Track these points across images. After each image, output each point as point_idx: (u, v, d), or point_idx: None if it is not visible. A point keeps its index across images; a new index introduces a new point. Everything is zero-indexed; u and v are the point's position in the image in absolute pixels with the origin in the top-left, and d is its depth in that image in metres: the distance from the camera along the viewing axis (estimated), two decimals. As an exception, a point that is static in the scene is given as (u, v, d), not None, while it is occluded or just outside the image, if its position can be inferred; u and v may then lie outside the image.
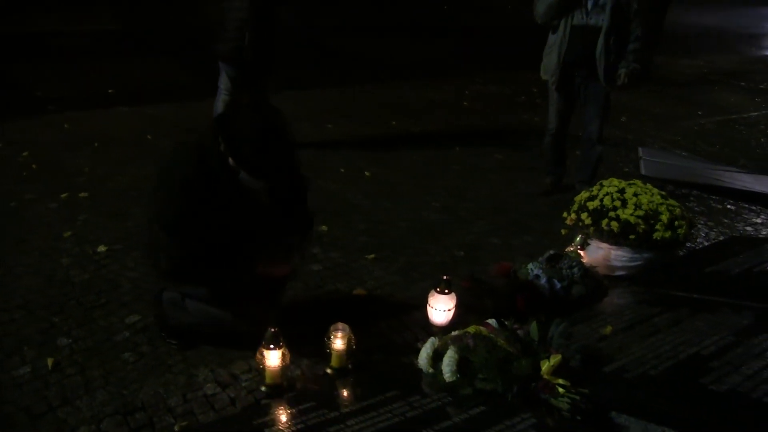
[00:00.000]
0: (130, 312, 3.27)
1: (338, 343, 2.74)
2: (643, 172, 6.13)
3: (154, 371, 2.84)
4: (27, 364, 2.86)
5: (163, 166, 2.65)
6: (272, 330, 2.60)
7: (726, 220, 5.15)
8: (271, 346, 2.60)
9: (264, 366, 2.62)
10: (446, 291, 3.11)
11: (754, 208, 5.47)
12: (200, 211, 2.54)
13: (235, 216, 2.66)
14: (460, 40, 13.86)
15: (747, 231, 4.99)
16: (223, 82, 5.43)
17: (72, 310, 3.27)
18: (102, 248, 3.89)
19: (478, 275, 3.40)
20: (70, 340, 3.02)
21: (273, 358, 2.60)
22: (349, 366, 2.82)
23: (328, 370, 2.81)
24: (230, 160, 2.51)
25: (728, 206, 5.47)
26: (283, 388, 2.68)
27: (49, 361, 2.85)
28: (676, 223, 3.69)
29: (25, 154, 5.37)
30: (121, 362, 2.89)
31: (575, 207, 3.94)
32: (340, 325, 2.77)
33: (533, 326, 2.68)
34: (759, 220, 5.21)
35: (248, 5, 5.07)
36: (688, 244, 4.17)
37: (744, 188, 5.85)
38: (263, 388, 2.68)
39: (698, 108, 9.47)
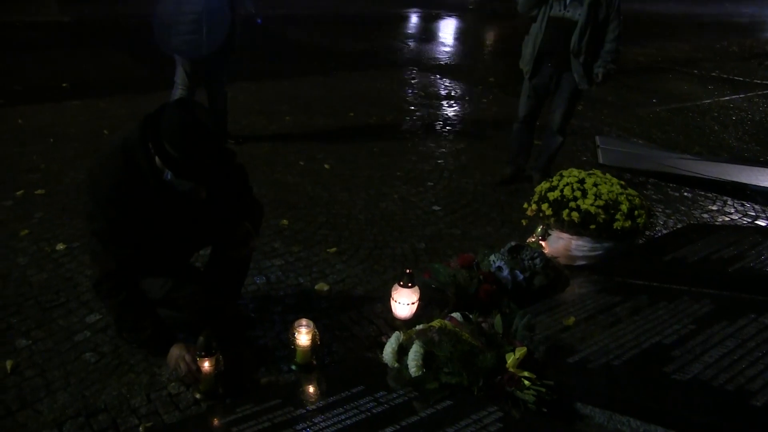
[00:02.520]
0: (90, 311, 3.21)
1: (302, 338, 2.72)
2: (600, 160, 6.22)
3: (117, 371, 2.80)
4: (-16, 366, 2.79)
5: (92, 170, 2.55)
6: (202, 337, 2.54)
7: (683, 208, 5.26)
8: (203, 353, 2.55)
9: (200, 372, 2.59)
10: (409, 284, 3.12)
11: (709, 195, 5.59)
12: (131, 217, 2.48)
13: (169, 218, 2.59)
14: (415, 31, 13.87)
15: (704, 218, 5.10)
16: (179, 76, 5.35)
17: (30, 310, 3.20)
18: (60, 246, 3.82)
19: (438, 267, 3.40)
20: (29, 342, 2.96)
21: (206, 366, 2.56)
22: (314, 362, 2.82)
23: (293, 367, 2.79)
24: (157, 160, 2.41)
25: (685, 194, 5.58)
26: (218, 394, 2.65)
27: (8, 364, 2.78)
28: (636, 212, 3.74)
29: (-23, 150, 5.23)
30: (82, 363, 2.84)
31: (535, 198, 3.98)
32: (304, 320, 2.75)
33: (497, 319, 2.70)
34: (715, 207, 5.32)
35: (198, 3, 4.99)
36: (647, 233, 4.23)
37: (699, 175, 5.98)
38: (197, 395, 2.64)
39: (652, 96, 9.64)
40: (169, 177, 2.43)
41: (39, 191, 4.57)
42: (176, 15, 5.08)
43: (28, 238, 3.93)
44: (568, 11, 4.69)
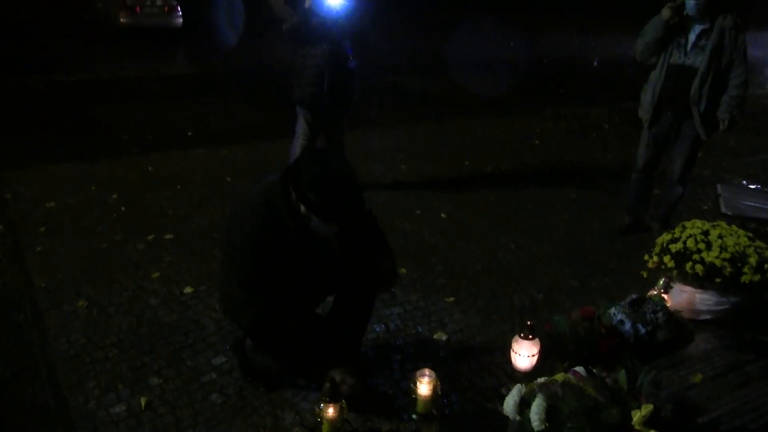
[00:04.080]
0: (216, 353, 3.36)
1: (423, 388, 2.74)
2: (723, 210, 5.98)
3: (241, 413, 2.91)
4: (122, 402, 2.97)
5: (233, 220, 2.71)
6: (328, 383, 2.63)
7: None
8: (328, 399, 2.62)
9: (323, 418, 2.65)
10: (530, 336, 3.10)
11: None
12: (274, 264, 2.60)
13: (310, 265, 2.72)
14: (526, 77, 13.84)
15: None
16: (300, 127, 5.55)
17: (161, 350, 3.38)
18: (188, 289, 4.01)
19: (559, 319, 3.36)
20: (160, 380, 3.12)
21: (330, 411, 2.63)
22: (434, 412, 2.83)
23: (414, 416, 2.81)
24: (302, 207, 2.55)
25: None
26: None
27: (143, 400, 2.96)
28: (766, 265, 3.58)
29: (114, 196, 5.59)
30: (209, 403, 2.97)
31: (657, 249, 3.87)
32: (427, 370, 2.78)
33: (621, 374, 2.63)
34: None
35: (327, 52, 5.20)
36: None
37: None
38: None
39: (778, 141, 9.20)
40: (315, 223, 2.58)
41: (168, 236, 4.83)
42: (300, 68, 5.31)
43: (159, 280, 4.15)
44: (689, 58, 4.59)
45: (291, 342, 2.73)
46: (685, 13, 4.55)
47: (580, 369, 2.74)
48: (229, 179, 6.17)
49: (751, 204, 6.24)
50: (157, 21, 17.73)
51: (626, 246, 5.01)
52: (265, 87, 11.12)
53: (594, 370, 2.70)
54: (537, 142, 8.25)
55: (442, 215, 5.49)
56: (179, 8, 18.01)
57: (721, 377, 2.94)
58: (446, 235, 5.10)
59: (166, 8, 17.86)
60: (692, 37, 4.59)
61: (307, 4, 5.08)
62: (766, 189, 6.88)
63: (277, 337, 2.73)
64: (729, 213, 5.89)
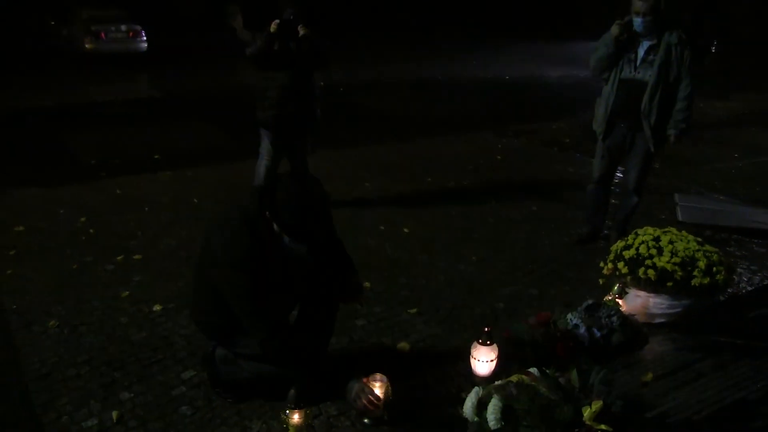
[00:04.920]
0: (185, 368, 3.43)
1: (376, 392, 2.84)
2: (680, 218, 6.17)
3: (210, 424, 2.99)
4: (94, 416, 3.04)
5: (215, 244, 2.83)
6: (293, 390, 2.73)
7: (769, 263, 5.18)
8: (293, 406, 2.72)
9: (288, 424, 2.74)
10: (488, 342, 3.21)
11: (796, 251, 5.48)
12: (266, 277, 2.76)
13: (284, 277, 2.88)
14: (486, 94, 14.12)
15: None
16: (265, 148, 5.65)
17: (131, 366, 3.45)
18: (157, 307, 4.08)
19: (517, 326, 3.49)
20: (131, 395, 3.19)
21: (296, 418, 2.73)
22: (385, 417, 2.92)
23: (366, 420, 2.91)
24: (275, 226, 2.73)
25: (771, 249, 5.49)
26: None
27: (114, 414, 3.03)
28: (715, 269, 3.74)
29: (82, 219, 5.65)
30: (179, 416, 3.04)
31: (611, 257, 4.02)
32: (378, 375, 2.89)
33: (574, 374, 2.76)
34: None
35: (291, 76, 5.33)
36: (729, 290, 4.21)
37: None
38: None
39: (734, 150, 9.48)
40: (286, 241, 2.77)
41: (137, 256, 4.90)
42: (263, 91, 5.43)
43: (128, 299, 4.22)
44: (638, 72, 4.79)
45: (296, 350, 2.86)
46: (633, 29, 4.75)
47: (533, 370, 2.87)
48: (196, 200, 6.25)
49: (707, 211, 6.45)
50: (122, 46, 17.81)
51: (585, 255, 5.17)
52: (230, 109, 11.22)
53: (547, 371, 2.82)
54: (499, 157, 8.43)
55: (405, 230, 5.62)
56: (143, 33, 18.10)
57: (671, 375, 3.09)
58: (409, 249, 5.22)
59: (131, 33, 17.96)
60: (641, 53, 4.79)
61: (272, 29, 5.21)
62: (721, 197, 7.11)
63: (288, 346, 2.84)
64: (686, 221, 6.08)
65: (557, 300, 4.34)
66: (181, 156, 8.01)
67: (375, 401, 2.81)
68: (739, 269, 4.97)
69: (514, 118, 11.30)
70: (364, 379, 2.87)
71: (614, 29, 4.75)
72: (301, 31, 5.26)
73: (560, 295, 4.44)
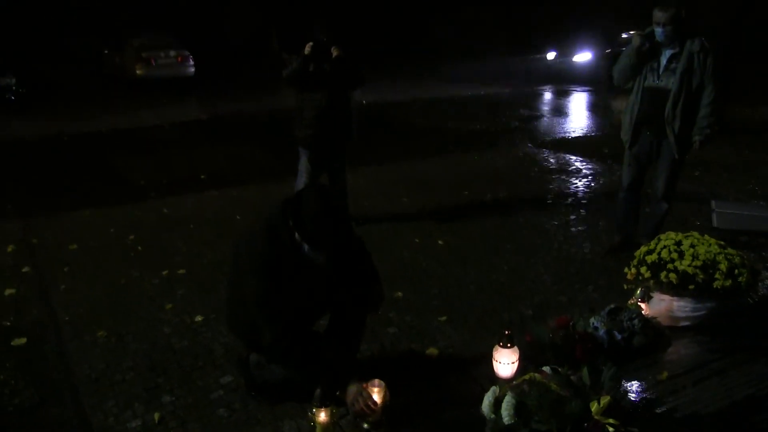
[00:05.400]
0: (224, 373, 3.64)
1: (374, 398, 2.94)
2: (715, 224, 6.16)
3: (246, 424, 3.18)
4: (138, 417, 3.26)
5: (239, 248, 3.07)
6: (319, 390, 2.86)
7: (804, 267, 5.17)
8: (318, 404, 2.85)
9: (315, 423, 2.87)
10: (509, 345, 3.33)
11: (831, 254, 5.46)
12: (280, 283, 2.93)
13: (308, 286, 3.04)
14: (521, 108, 14.20)
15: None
16: (303, 166, 5.87)
17: (173, 372, 3.68)
18: (199, 318, 4.32)
19: (539, 329, 3.60)
20: (173, 398, 3.42)
21: (323, 416, 2.86)
22: (384, 421, 3.00)
23: (365, 425, 2.99)
24: (296, 234, 2.90)
25: (807, 253, 5.48)
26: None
27: (156, 416, 3.25)
28: (736, 271, 3.79)
29: (131, 237, 5.97)
30: (217, 417, 3.24)
31: (635, 262, 4.10)
32: (377, 381, 2.99)
33: (585, 371, 2.87)
34: (836, 266, 5.20)
35: (326, 96, 5.55)
36: (757, 292, 4.24)
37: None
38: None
39: (776, 155, 9.38)
40: (306, 249, 2.93)
41: (181, 271, 5.16)
42: (300, 111, 5.67)
43: (172, 310, 4.47)
44: (661, 81, 4.88)
45: (305, 356, 3.01)
46: (655, 39, 4.84)
47: (546, 368, 2.99)
48: (239, 217, 6.50)
49: (744, 217, 6.42)
50: (171, 71, 18.45)
51: (616, 263, 5.21)
52: (272, 130, 11.58)
53: (559, 369, 2.93)
54: (536, 169, 8.52)
55: (440, 242, 5.77)
56: (191, 58, 18.69)
57: (687, 374, 3.16)
58: (442, 260, 5.36)
59: (179, 58, 18.58)
60: (664, 61, 4.88)
61: (306, 51, 5.44)
62: (760, 202, 7.07)
63: (294, 352, 3.00)
64: (720, 227, 6.08)
65: (585, 306, 4.40)
66: (225, 176, 8.33)
67: (372, 406, 2.92)
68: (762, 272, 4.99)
69: (553, 132, 11.37)
70: (363, 385, 2.99)
71: (635, 40, 4.86)
72: (335, 53, 5.48)
73: (589, 302, 4.51)
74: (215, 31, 23.15)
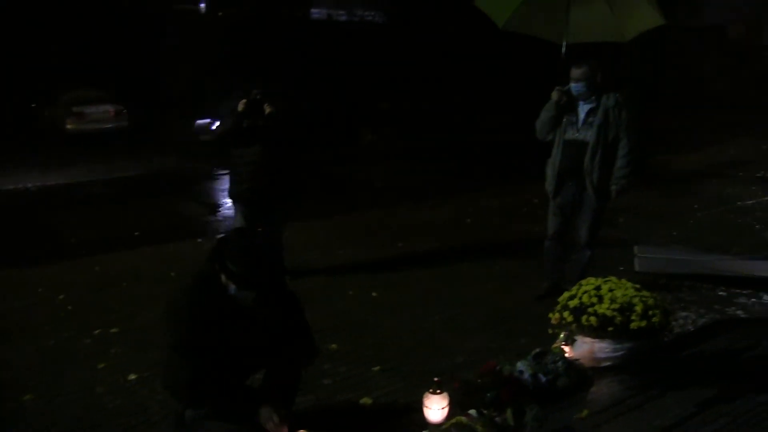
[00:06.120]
0: (159, 431, 3.63)
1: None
2: (637, 268, 6.44)
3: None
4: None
5: (170, 297, 3.12)
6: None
7: (717, 306, 5.46)
8: None
9: None
10: (438, 391, 3.44)
11: (744, 291, 5.78)
12: (204, 329, 2.96)
13: (238, 335, 3.07)
14: (460, 159, 14.57)
15: (738, 314, 5.30)
16: (238, 221, 5.92)
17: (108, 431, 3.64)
18: (132, 376, 4.29)
19: (467, 375, 3.73)
20: (106, 459, 3.39)
21: None
22: None
23: None
24: (222, 276, 2.95)
25: (719, 292, 5.78)
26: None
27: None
28: (650, 312, 4.02)
29: (61, 297, 5.88)
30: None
31: (559, 307, 4.30)
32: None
33: (509, 412, 3.00)
34: (748, 302, 5.54)
35: (260, 152, 5.65)
36: (671, 331, 4.48)
37: (736, 274, 6.16)
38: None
39: (695, 201, 9.85)
40: (233, 291, 2.96)
41: (114, 329, 5.11)
42: (234, 166, 5.75)
43: (105, 370, 4.42)
44: (580, 134, 5.15)
45: (225, 404, 3.04)
46: (573, 94, 5.14)
47: (472, 412, 3.10)
48: (173, 274, 6.48)
49: (664, 260, 6.73)
50: (105, 125, 18.16)
51: (544, 309, 5.36)
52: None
53: (485, 412, 3.05)
54: (469, 220, 8.75)
55: (374, 294, 5.87)
56: (125, 111, 18.50)
57: (605, 411, 3.36)
58: (376, 311, 5.47)
59: (113, 112, 18.34)
60: (582, 115, 5.18)
61: (240, 108, 5.55)
62: (678, 246, 7.41)
63: (211, 398, 3.03)
64: (642, 270, 6.36)
65: (514, 352, 4.55)
66: (160, 232, 8.29)
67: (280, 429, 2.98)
68: (688, 312, 5.27)
69: (484, 182, 11.68)
70: None
71: (554, 95, 5.15)
72: (268, 109, 5.60)
73: (518, 348, 4.64)
74: (154, 85, 23.08)
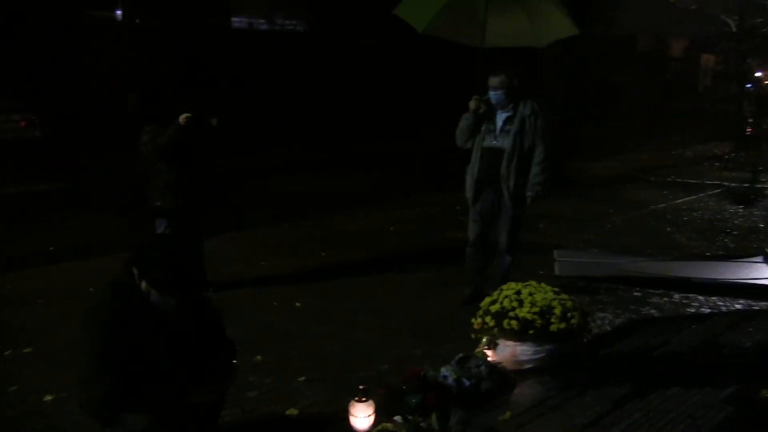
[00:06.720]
0: (76, 454, 3.51)
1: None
2: (557, 272, 6.63)
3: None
4: None
5: (89, 304, 3.00)
6: None
7: (632, 306, 5.69)
8: None
9: None
10: (364, 399, 3.45)
11: (657, 291, 6.05)
12: (122, 338, 2.85)
13: (155, 340, 2.96)
14: (384, 168, 14.66)
15: (651, 313, 5.51)
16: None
17: (21, 457, 3.50)
18: (48, 398, 4.12)
19: (392, 382, 3.75)
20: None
21: None
22: None
23: None
24: (143, 284, 2.86)
25: (635, 293, 6.02)
26: None
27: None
28: (569, 314, 4.13)
29: (-33, 319, 5.60)
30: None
31: (480, 312, 4.37)
32: None
33: (434, 417, 3.03)
34: (661, 302, 5.79)
35: (187, 165, 5.55)
36: (589, 332, 4.61)
37: (649, 275, 6.42)
38: None
39: (611, 206, 10.23)
40: (154, 297, 2.87)
41: (27, 350, 4.90)
42: (156, 179, 5.62)
43: (16, 392, 4.23)
44: (497, 141, 5.27)
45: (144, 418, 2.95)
46: (491, 102, 5.26)
47: (397, 418, 3.12)
48: (91, 289, 6.27)
49: (582, 264, 6.94)
50: (14, 136, 17.48)
51: (468, 315, 5.44)
52: (126, 198, 11.28)
53: (410, 418, 3.08)
54: (392, 228, 8.82)
55: (298, 305, 5.84)
56: (37, 121, 17.86)
57: (527, 412, 3.45)
58: (302, 322, 5.44)
59: (24, 123, 17.67)
60: (499, 123, 5.30)
61: (181, 121, 5.41)
62: (595, 250, 7.66)
63: (131, 411, 2.94)
64: (561, 274, 6.54)
65: (439, 357, 4.60)
66: (77, 247, 8.02)
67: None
68: (605, 313, 5.44)
69: (408, 190, 11.79)
70: None
71: (471, 103, 5.26)
72: (213, 123, 5.52)
73: (442, 353, 4.69)
74: (69, 94, 22.33)
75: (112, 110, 19.93)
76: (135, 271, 2.89)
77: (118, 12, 25.63)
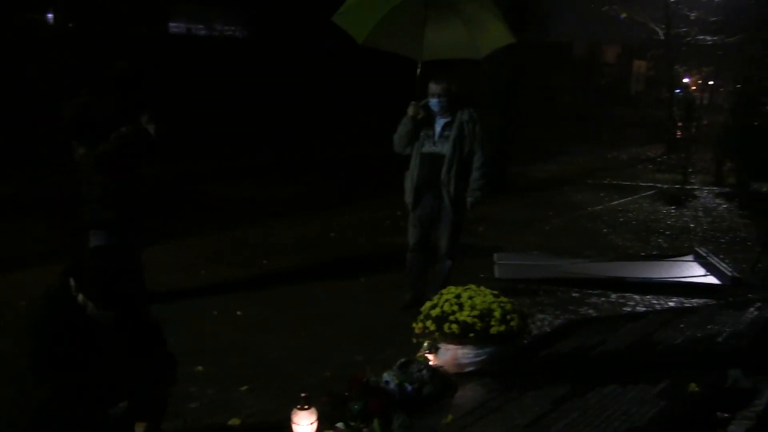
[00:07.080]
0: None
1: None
2: (497, 275, 6.72)
3: None
4: None
5: (27, 317, 2.94)
6: None
7: (571, 307, 5.81)
8: None
9: None
10: (306, 407, 3.43)
11: (595, 292, 6.19)
12: (57, 351, 2.77)
13: (95, 354, 2.88)
14: (325, 174, 14.63)
15: (589, 313, 5.63)
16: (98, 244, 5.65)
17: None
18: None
19: (335, 389, 3.74)
20: None
21: None
22: None
23: None
24: (80, 297, 2.79)
25: (573, 294, 6.14)
26: None
27: None
28: (509, 317, 4.20)
29: None
30: None
31: (421, 316, 4.41)
32: None
33: (376, 423, 3.04)
34: (598, 302, 5.93)
35: (116, 174, 5.41)
36: (529, 334, 4.69)
37: (587, 276, 6.57)
38: None
39: (549, 209, 10.42)
40: (91, 309, 2.79)
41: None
42: (91, 189, 5.46)
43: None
44: (437, 147, 5.32)
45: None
46: (430, 108, 5.31)
47: (340, 425, 3.12)
48: (23, 303, 6.08)
49: (521, 266, 7.05)
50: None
51: (409, 319, 5.47)
52: (58, 209, 10.95)
53: (352, 424, 3.08)
54: (333, 235, 8.80)
55: (238, 313, 5.77)
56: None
57: (469, 414, 3.49)
58: (243, 331, 5.38)
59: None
60: (438, 129, 5.34)
61: (125, 131, 5.26)
62: (535, 252, 7.79)
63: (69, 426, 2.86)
64: (501, 277, 6.63)
65: (380, 363, 4.60)
66: (6, 259, 7.74)
67: None
68: (545, 315, 5.54)
69: (349, 196, 11.78)
70: None
71: (410, 110, 5.29)
72: (152, 130, 5.39)
73: (384, 359, 4.69)
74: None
75: (43, 116, 19.32)
76: (72, 283, 2.82)
77: (49, 15, 24.92)
